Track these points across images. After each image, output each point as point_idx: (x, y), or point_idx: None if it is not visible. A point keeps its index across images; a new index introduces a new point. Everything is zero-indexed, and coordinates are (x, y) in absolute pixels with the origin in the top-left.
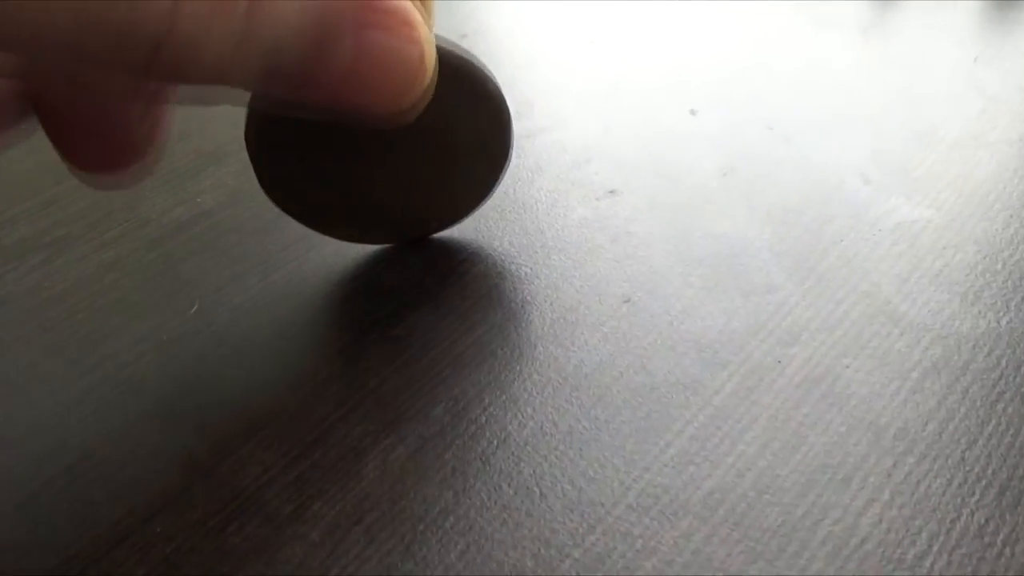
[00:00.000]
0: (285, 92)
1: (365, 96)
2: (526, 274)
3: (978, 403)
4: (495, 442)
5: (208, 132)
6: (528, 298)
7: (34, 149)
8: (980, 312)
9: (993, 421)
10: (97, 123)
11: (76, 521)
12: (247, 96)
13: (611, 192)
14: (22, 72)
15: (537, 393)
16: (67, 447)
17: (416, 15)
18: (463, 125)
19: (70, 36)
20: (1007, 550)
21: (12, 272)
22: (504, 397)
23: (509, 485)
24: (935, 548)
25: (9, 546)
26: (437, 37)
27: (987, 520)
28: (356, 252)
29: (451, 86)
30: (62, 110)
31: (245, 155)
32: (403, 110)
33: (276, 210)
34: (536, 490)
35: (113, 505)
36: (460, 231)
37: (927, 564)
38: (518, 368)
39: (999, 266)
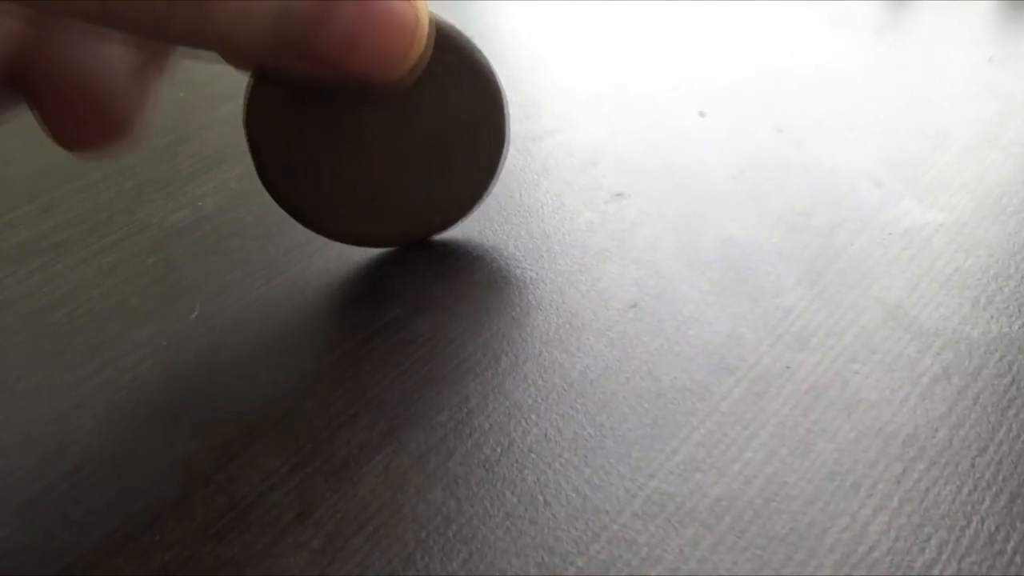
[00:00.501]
0: (288, 57)
1: (365, 59)
2: (531, 279)
3: (989, 409)
4: (499, 449)
5: (209, 135)
6: (533, 303)
7: (34, 153)
8: (992, 317)
9: (1004, 427)
10: (84, 100)
11: (75, 528)
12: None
13: (618, 195)
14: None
15: (542, 399)
16: (66, 453)
17: None
18: (457, 101)
19: None
20: (1017, 558)
21: (11, 276)
22: (508, 403)
23: (513, 493)
24: (944, 556)
25: (7, 552)
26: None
27: (997, 527)
28: (359, 257)
29: (443, 58)
30: (49, 86)
31: (247, 158)
32: (400, 74)
33: (279, 214)
34: (540, 498)
35: (112, 512)
36: (464, 235)
37: (936, 572)
38: (523, 374)
39: (1011, 270)
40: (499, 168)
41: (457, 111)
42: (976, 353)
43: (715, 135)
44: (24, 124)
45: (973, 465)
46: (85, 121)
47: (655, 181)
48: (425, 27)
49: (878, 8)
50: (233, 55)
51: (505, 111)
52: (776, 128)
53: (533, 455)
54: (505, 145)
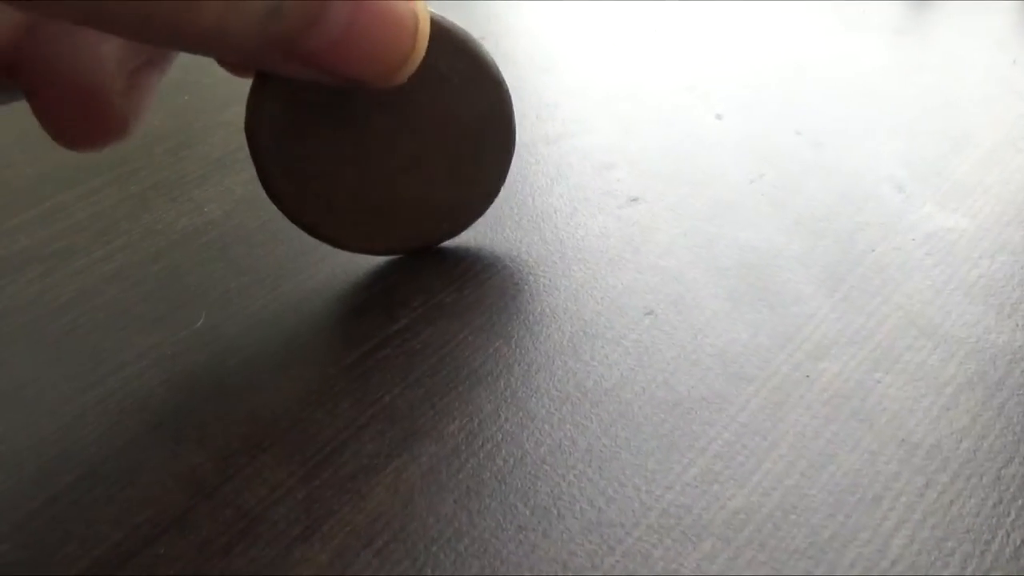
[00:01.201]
0: (279, 59)
1: (360, 62)
2: (545, 286)
3: (1014, 419)
4: (511, 460)
5: (214, 139)
6: (547, 311)
7: (36, 158)
8: (1017, 324)
9: None
10: (80, 97)
11: (76, 542)
12: None
13: (633, 200)
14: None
15: (555, 409)
16: (68, 465)
17: None
18: (463, 104)
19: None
20: None
21: (12, 284)
22: (521, 414)
23: (525, 505)
24: (968, 570)
25: (7, 567)
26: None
27: (1023, 541)
28: (368, 264)
29: (449, 60)
30: (46, 81)
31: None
32: (399, 79)
33: (285, 220)
34: (553, 510)
35: (115, 526)
36: (475, 241)
37: None
38: (536, 383)
39: None
40: (506, 173)
41: (463, 114)
42: (1001, 362)
43: (732, 138)
44: (24, 129)
45: (998, 477)
46: (80, 118)
47: (671, 185)
48: (426, 29)
49: (899, 8)
50: (222, 56)
51: (512, 114)
52: (795, 131)
53: (546, 467)
54: (513, 148)
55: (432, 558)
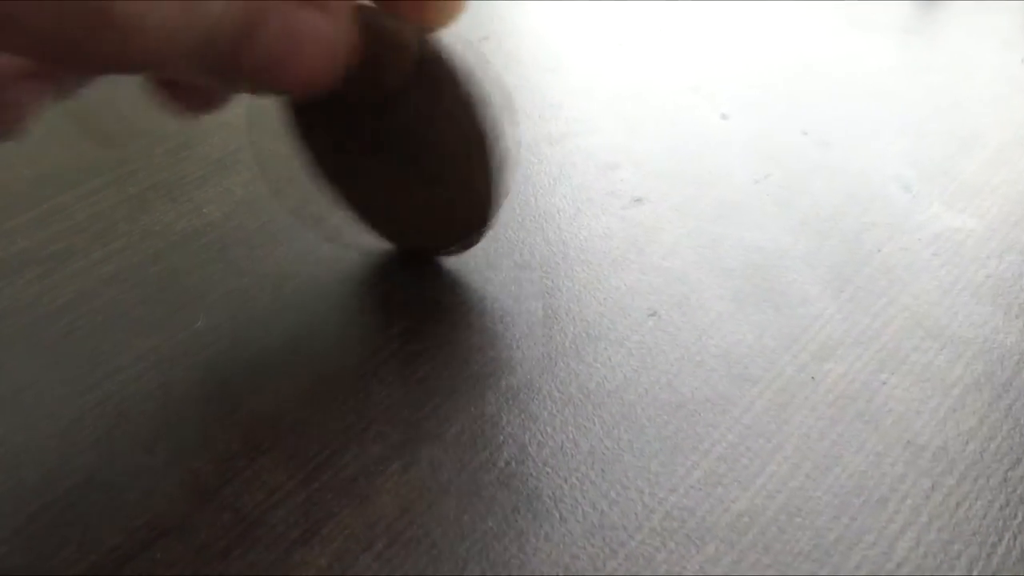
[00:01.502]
0: (215, 74)
1: (289, 76)
2: (548, 287)
3: (1022, 421)
4: (513, 463)
5: (214, 139)
6: (549, 312)
7: (34, 160)
8: None
9: None
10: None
11: (74, 546)
12: None
13: (637, 200)
14: None
15: (557, 412)
16: (66, 469)
17: None
18: (452, 122)
19: (29, 21)
20: None
21: (10, 286)
22: (523, 416)
23: (527, 508)
24: (975, 573)
25: (6, 571)
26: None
27: None
28: (369, 265)
29: (432, 76)
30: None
31: (252, 164)
32: (316, 91)
33: (285, 221)
34: (556, 513)
35: (113, 530)
36: (480, 242)
37: None
38: (538, 385)
39: None
40: (501, 191)
41: (450, 136)
42: (1009, 363)
43: (738, 138)
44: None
45: (1005, 479)
46: (186, 90)
47: (676, 186)
48: (343, 42)
49: (907, 8)
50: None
51: (502, 139)
52: (801, 131)
53: (548, 469)
54: (506, 169)
55: (432, 562)
